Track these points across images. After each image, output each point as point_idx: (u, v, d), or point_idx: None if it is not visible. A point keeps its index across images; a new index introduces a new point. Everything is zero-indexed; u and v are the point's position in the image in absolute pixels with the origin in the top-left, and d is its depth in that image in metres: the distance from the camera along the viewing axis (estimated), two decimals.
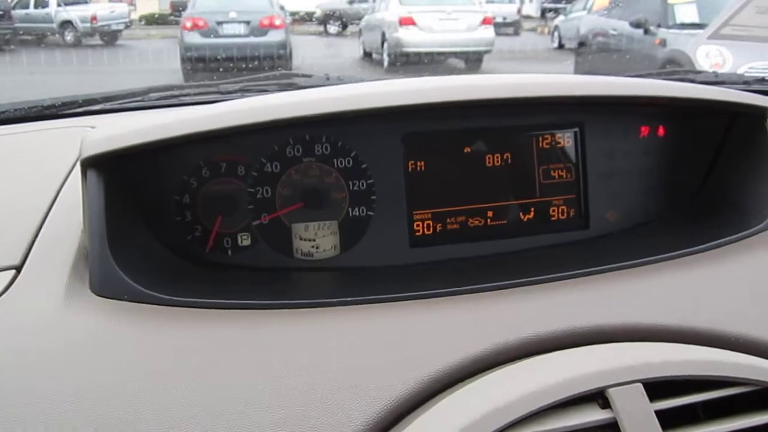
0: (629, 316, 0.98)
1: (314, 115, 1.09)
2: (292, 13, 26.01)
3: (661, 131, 1.42)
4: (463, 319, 0.96)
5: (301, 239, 1.26)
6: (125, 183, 1.09)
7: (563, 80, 1.25)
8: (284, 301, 1.00)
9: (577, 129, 1.36)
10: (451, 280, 1.17)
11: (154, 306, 0.97)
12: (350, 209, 1.27)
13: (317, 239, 1.27)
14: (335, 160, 1.26)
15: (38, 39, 20.59)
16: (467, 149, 1.31)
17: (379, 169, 1.28)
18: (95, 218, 0.99)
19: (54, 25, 20.58)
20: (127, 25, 22.41)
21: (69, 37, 20.40)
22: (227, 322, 0.94)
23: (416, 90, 1.19)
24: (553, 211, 1.36)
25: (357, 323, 0.95)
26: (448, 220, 1.31)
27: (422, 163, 1.29)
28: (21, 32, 20.11)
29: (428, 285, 1.09)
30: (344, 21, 23.34)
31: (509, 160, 1.33)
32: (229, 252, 1.25)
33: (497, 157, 1.32)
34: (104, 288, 0.97)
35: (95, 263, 0.98)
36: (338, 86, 1.21)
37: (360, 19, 18.26)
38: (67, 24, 20.46)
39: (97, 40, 20.71)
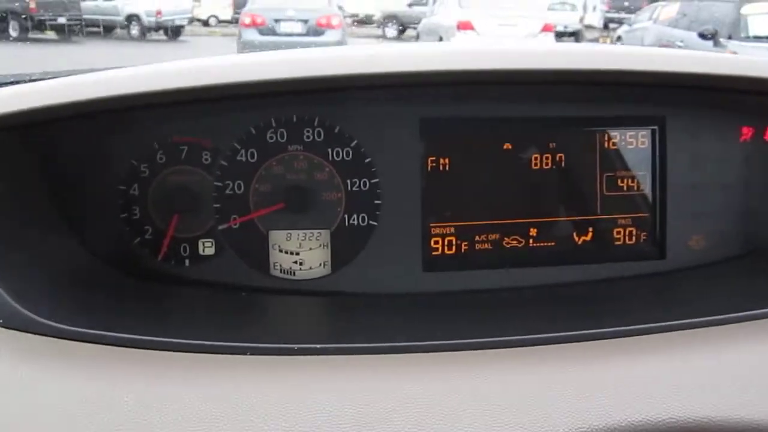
0: (733, 409, 0.65)
1: (286, 79, 0.78)
2: (352, 15, 25.99)
3: None
4: (496, 390, 0.65)
5: (280, 251, 0.97)
6: (25, 165, 0.81)
7: (642, 52, 0.91)
8: (248, 344, 0.70)
9: (656, 126, 1.03)
10: (478, 323, 0.86)
11: (50, 339, 0.68)
12: (347, 216, 0.97)
13: (302, 253, 0.97)
14: (330, 151, 0.96)
15: (105, 31, 21.05)
16: (507, 145, 0.99)
17: (388, 165, 0.97)
18: None
19: (121, 18, 20.98)
20: (191, 21, 22.69)
21: (134, 30, 20.77)
22: (160, 370, 0.65)
23: (443, 55, 0.87)
24: (618, 233, 1.03)
25: (350, 381, 0.66)
26: (477, 238, 0.99)
27: (446, 160, 0.98)
28: (88, 24, 20.58)
29: (446, 329, 0.81)
30: (403, 24, 23.08)
31: (563, 163, 1.00)
32: (187, 262, 0.96)
33: (547, 158, 1.00)
34: None
35: None
36: (337, 47, 0.91)
37: (418, 22, 18.01)
38: (133, 17, 20.82)
39: (161, 35, 21.02)
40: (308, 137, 0.96)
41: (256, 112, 0.95)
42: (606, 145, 1.02)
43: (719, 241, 1.06)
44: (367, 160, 0.97)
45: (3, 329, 0.69)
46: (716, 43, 9.35)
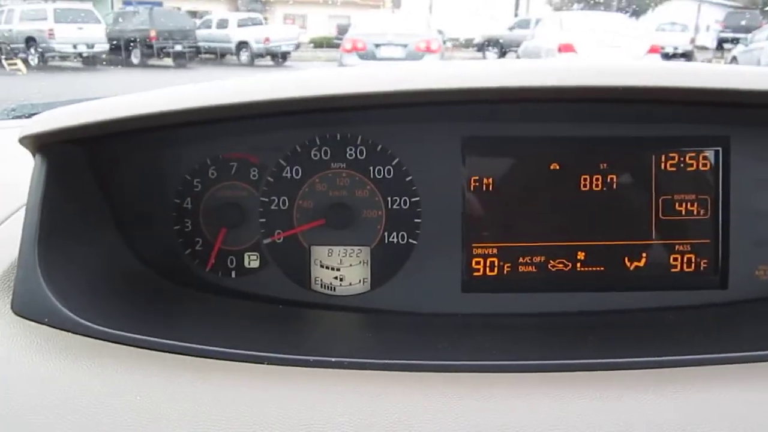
0: None
1: (330, 95, 0.80)
2: (452, 39, 26.09)
3: None
4: (536, 417, 0.63)
5: (321, 266, 0.98)
6: (86, 175, 0.87)
7: (705, 69, 0.86)
8: (265, 354, 0.71)
9: (719, 147, 0.97)
10: (520, 347, 0.83)
11: (88, 339, 0.72)
12: (387, 234, 0.97)
13: (342, 269, 0.98)
14: (372, 168, 0.97)
15: (217, 57, 22.22)
16: (555, 166, 0.96)
17: (429, 183, 0.96)
18: (29, 216, 0.77)
19: (232, 45, 22.09)
20: (297, 47, 23.54)
21: (244, 57, 21.79)
22: (193, 374, 0.68)
23: (486, 73, 0.86)
24: (675, 259, 0.97)
25: (389, 396, 0.65)
26: (521, 260, 0.97)
27: (489, 179, 0.96)
28: (202, 51, 21.80)
29: (486, 351, 0.78)
30: (503, 48, 22.91)
31: (614, 185, 0.96)
32: (233, 274, 0.99)
33: (597, 180, 0.96)
34: (24, 306, 0.75)
35: (19, 274, 0.76)
36: (383, 64, 0.92)
37: (519, 46, 17.82)
38: (243, 44, 21.86)
39: (268, 61, 21.94)
40: (351, 155, 0.97)
41: (302, 130, 0.97)
42: (663, 166, 0.97)
43: None
44: (408, 179, 0.97)
45: (49, 328, 0.74)
46: None
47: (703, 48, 25.10)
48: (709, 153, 0.97)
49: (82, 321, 0.73)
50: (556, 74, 0.83)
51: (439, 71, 0.88)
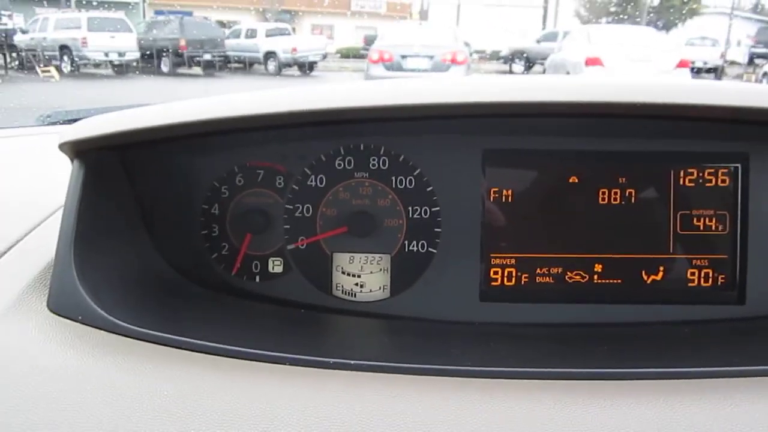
0: None
1: (351, 108, 0.83)
2: (478, 51, 26.11)
3: None
4: (547, 424, 0.65)
5: (343, 273, 1.01)
6: (121, 181, 0.91)
7: (720, 87, 0.88)
8: (288, 355, 0.74)
9: (738, 164, 0.98)
10: (534, 356, 0.85)
11: (119, 337, 0.76)
12: (407, 242, 1.00)
13: (363, 275, 1.00)
14: (393, 179, 1.00)
15: (245, 66, 22.51)
16: (573, 179, 0.98)
17: (449, 194, 0.99)
18: (66, 219, 0.81)
19: (260, 55, 22.37)
20: (323, 57, 23.75)
21: (271, 66, 22.05)
22: (218, 373, 0.70)
23: (507, 88, 0.89)
24: (693, 274, 0.98)
25: (406, 398, 0.67)
26: (538, 271, 0.98)
27: (509, 191, 0.98)
28: (231, 60, 22.10)
29: (502, 358, 0.81)
30: (530, 60, 22.88)
31: (633, 199, 0.98)
32: (257, 278, 1.02)
33: (616, 193, 0.98)
34: (59, 304, 0.79)
35: (55, 274, 0.80)
36: (407, 80, 0.95)
37: (545, 58, 17.78)
38: (271, 54, 22.14)
39: (295, 70, 22.16)
40: (374, 165, 1.00)
41: (327, 140, 1.00)
42: (681, 181, 0.98)
43: None
44: (429, 189, 0.99)
45: (82, 326, 0.77)
46: None
47: (734, 63, 24.80)
48: (728, 169, 0.98)
49: (114, 319, 0.76)
50: (575, 90, 0.85)
51: (461, 86, 0.91)
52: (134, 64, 19.32)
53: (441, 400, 0.67)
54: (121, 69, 18.85)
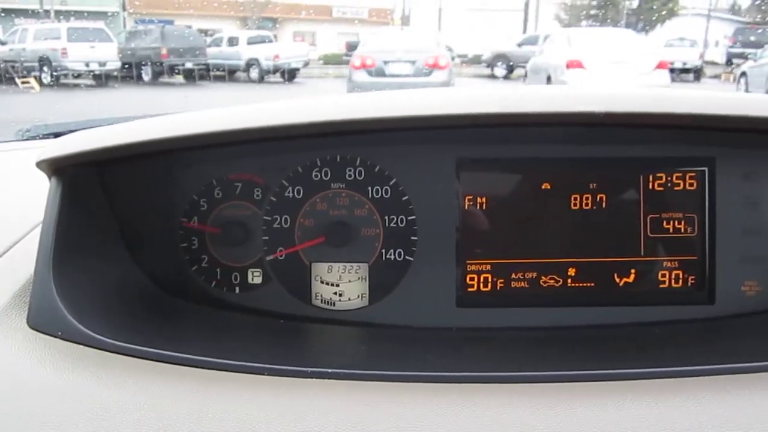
0: None
1: (328, 122, 0.85)
2: (460, 55, 26.25)
3: None
4: (522, 426, 0.66)
5: (321, 282, 1.02)
6: (99, 196, 0.92)
7: (689, 95, 0.90)
8: (285, 367, 0.75)
9: (705, 168, 1.00)
10: (513, 360, 0.87)
11: (98, 351, 0.77)
12: (384, 251, 1.01)
13: (342, 284, 1.02)
14: (370, 189, 1.01)
15: (227, 74, 22.45)
16: (546, 185, 1.00)
17: (425, 202, 1.01)
18: (44, 236, 0.82)
19: (242, 62, 22.33)
20: (306, 64, 23.75)
21: (254, 73, 22.02)
22: (197, 385, 0.72)
23: (480, 99, 0.91)
24: (663, 276, 1.01)
25: (382, 405, 0.69)
26: (514, 276, 1.00)
27: (483, 199, 1.00)
28: (213, 68, 22.04)
29: (478, 362, 0.83)
30: (511, 64, 23.03)
31: (604, 204, 1.00)
32: (237, 290, 1.03)
33: (587, 199, 1.00)
34: (39, 321, 0.79)
35: (35, 290, 0.81)
36: (380, 92, 0.96)
37: (527, 62, 17.91)
38: (253, 61, 22.09)
39: (278, 77, 22.14)
40: (350, 176, 1.01)
41: (304, 152, 1.02)
42: (651, 186, 1.00)
43: None
44: (405, 198, 1.01)
45: (62, 341, 0.78)
46: None
47: (713, 63, 25.12)
48: (696, 173, 1.00)
49: (94, 334, 0.77)
50: (543, 101, 0.87)
51: (435, 97, 0.93)
52: (115, 74, 19.21)
53: (417, 406, 0.68)
54: (102, 79, 18.74)
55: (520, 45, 23.63)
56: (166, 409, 0.68)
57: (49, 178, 0.88)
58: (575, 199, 1.00)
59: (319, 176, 1.02)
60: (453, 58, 19.26)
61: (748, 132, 0.97)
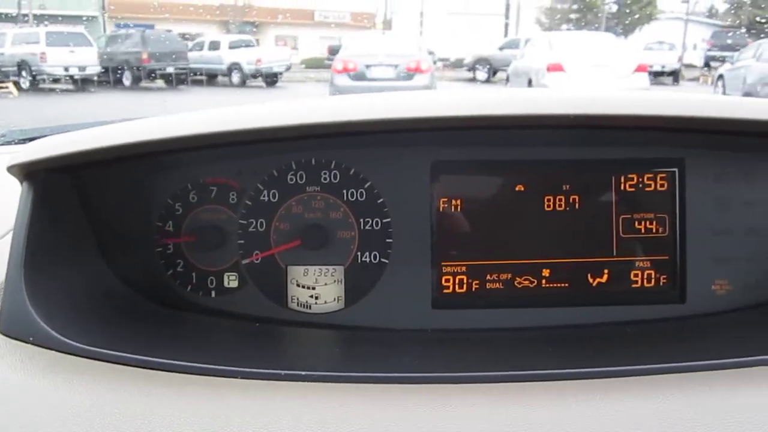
0: None
1: (302, 125, 0.85)
2: (442, 59, 26.33)
3: None
4: (494, 425, 0.67)
5: (297, 286, 1.02)
6: (72, 201, 0.91)
7: (658, 98, 0.92)
8: (265, 370, 0.75)
9: (675, 169, 1.02)
10: (487, 360, 0.87)
11: (71, 357, 0.76)
12: (360, 253, 1.02)
13: (317, 287, 1.02)
14: (345, 192, 1.02)
15: (209, 79, 22.34)
16: (520, 187, 1.01)
17: (400, 205, 1.01)
18: (16, 240, 0.81)
19: (223, 67, 22.22)
20: (288, 68, 23.69)
21: (236, 78, 21.92)
22: (169, 389, 0.71)
23: (453, 102, 0.91)
24: (636, 275, 1.02)
25: (356, 407, 0.69)
26: (489, 277, 1.01)
27: (458, 201, 1.01)
28: (194, 72, 21.91)
29: (453, 363, 0.83)
30: (493, 67, 23.13)
31: (577, 205, 1.01)
32: (213, 293, 1.03)
33: (560, 200, 1.01)
34: (10, 327, 0.79)
35: (6, 296, 0.80)
36: (353, 96, 0.97)
37: (508, 65, 18.00)
38: (235, 66, 21.99)
39: (259, 82, 22.06)
40: (325, 179, 1.02)
41: (279, 156, 1.02)
42: (622, 187, 1.02)
43: (745, 286, 1.02)
44: (380, 201, 1.01)
45: (34, 347, 0.78)
46: None
47: (691, 66, 25.43)
48: (666, 174, 1.02)
49: (65, 339, 0.77)
50: (516, 104, 0.88)
51: (410, 101, 0.93)
52: (95, 78, 19.04)
53: (391, 408, 0.69)
54: (82, 84, 18.56)
55: (501, 49, 23.75)
56: (138, 413, 0.67)
57: (21, 183, 0.87)
58: (549, 200, 1.01)
59: (295, 179, 1.02)
60: (435, 62, 19.31)
61: (718, 134, 0.99)
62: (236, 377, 0.73)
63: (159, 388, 0.72)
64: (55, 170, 0.86)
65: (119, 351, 0.76)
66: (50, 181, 0.87)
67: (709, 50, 25.25)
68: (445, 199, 1.01)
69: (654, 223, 1.02)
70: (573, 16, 33.27)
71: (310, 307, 1.02)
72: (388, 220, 1.01)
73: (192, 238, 1.01)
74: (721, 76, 16.15)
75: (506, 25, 32.05)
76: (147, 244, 1.03)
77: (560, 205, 1.01)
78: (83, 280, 0.91)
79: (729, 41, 24.11)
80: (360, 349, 0.95)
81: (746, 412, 0.68)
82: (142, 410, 0.68)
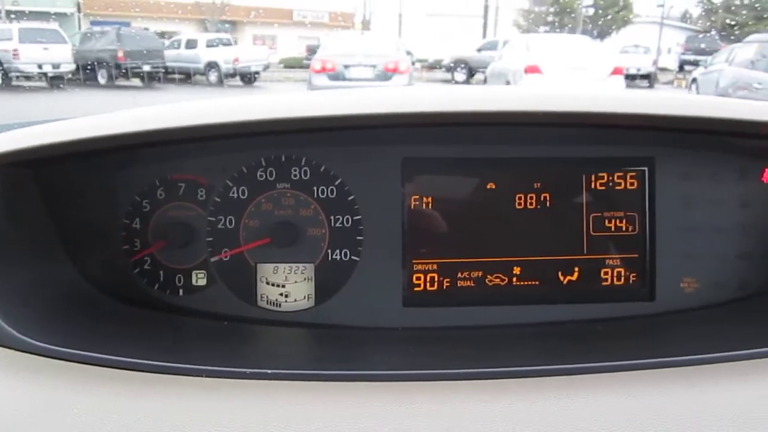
0: None
1: (273, 119, 0.84)
2: (421, 60, 26.36)
3: (767, 176, 1.04)
4: (461, 422, 0.66)
5: (267, 283, 1.01)
6: (34, 197, 0.89)
7: (628, 96, 0.92)
8: (231, 369, 0.73)
9: (645, 167, 1.02)
10: (457, 358, 0.87)
11: (33, 356, 0.74)
12: (330, 251, 1.01)
13: (287, 285, 1.01)
14: (315, 189, 1.01)
15: (186, 78, 22.12)
16: (491, 185, 1.01)
17: (370, 202, 1.00)
18: None
19: (201, 65, 22.01)
20: (266, 67, 23.54)
21: (213, 77, 21.72)
22: (133, 388, 0.70)
23: (423, 98, 0.91)
24: (606, 273, 1.02)
25: (326, 406, 0.68)
26: (460, 275, 1.01)
27: (429, 198, 1.00)
28: (171, 71, 21.68)
29: (423, 361, 0.83)
30: (471, 69, 23.22)
31: (548, 203, 1.01)
32: (181, 292, 1.01)
33: (531, 198, 1.01)
34: None
35: None
36: (321, 92, 0.96)
37: (487, 67, 18.08)
38: (212, 65, 21.79)
39: (237, 81, 21.89)
40: (295, 176, 1.01)
41: (248, 152, 1.00)
42: (593, 185, 1.02)
43: (713, 284, 1.03)
44: (351, 198, 1.00)
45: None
46: None
47: (666, 69, 25.77)
48: (636, 173, 1.02)
49: (26, 338, 0.75)
50: (486, 101, 0.88)
51: (380, 97, 0.93)
52: (69, 76, 18.75)
53: (360, 405, 0.68)
54: (55, 81, 18.26)
55: (479, 50, 23.82)
56: (101, 412, 0.66)
57: None
58: (520, 198, 1.01)
59: (264, 176, 1.01)
60: (413, 63, 19.33)
61: (688, 132, 0.99)
62: (201, 376, 0.71)
63: (123, 387, 0.70)
64: (15, 165, 0.84)
65: (82, 350, 0.74)
66: (10, 176, 0.84)
67: (683, 54, 25.59)
68: (417, 197, 1.00)
69: (624, 221, 1.03)
70: (550, 18, 33.53)
71: (279, 305, 1.01)
72: (359, 217, 1.00)
73: (161, 242, 1.00)
74: (694, 80, 16.37)
75: (484, 27, 32.20)
76: (113, 242, 1.01)
77: (531, 203, 1.01)
78: (46, 278, 0.89)
79: (702, 45, 24.47)
80: (330, 347, 0.94)
81: (714, 408, 0.68)
82: (107, 410, 0.66)
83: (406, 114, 0.86)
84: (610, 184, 1.02)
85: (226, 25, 32.13)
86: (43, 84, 18.39)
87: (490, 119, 0.90)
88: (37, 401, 0.68)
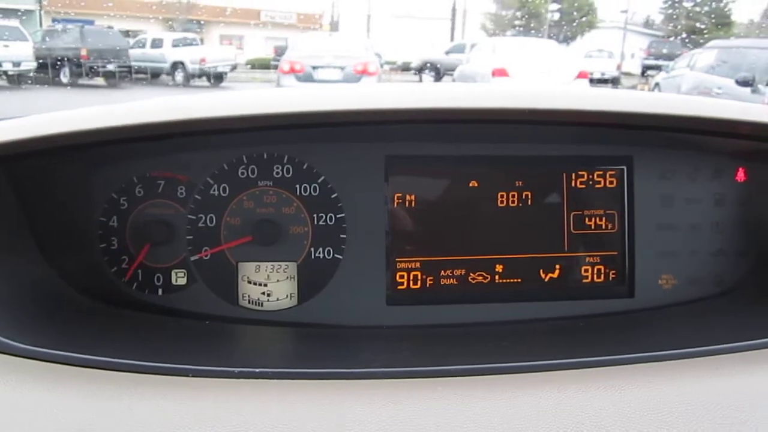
0: None
1: (255, 115, 0.82)
2: (389, 62, 26.43)
3: (741, 175, 1.06)
4: (447, 419, 0.66)
5: (249, 282, 1.00)
6: (7, 194, 0.86)
7: (606, 94, 0.93)
8: (189, 367, 0.72)
9: (624, 166, 1.04)
10: (441, 355, 0.87)
11: (7, 356, 0.72)
12: (313, 249, 1.00)
13: (270, 284, 1.00)
14: (298, 186, 1.00)
15: (151, 77, 21.78)
16: (473, 183, 1.01)
17: (354, 200, 1.00)
18: None
19: (166, 65, 21.70)
20: (233, 68, 23.32)
21: (179, 77, 21.44)
22: (117, 389, 0.68)
23: (405, 95, 0.91)
24: (586, 271, 1.03)
25: (313, 405, 0.67)
26: (443, 273, 1.01)
27: (411, 196, 1.00)
28: (136, 71, 21.33)
29: (408, 359, 0.83)
30: (439, 71, 23.35)
31: (529, 201, 1.02)
32: (160, 291, 0.99)
33: (513, 196, 1.02)
34: None
35: None
36: (306, 87, 0.95)
37: (455, 69, 18.18)
38: (178, 64, 21.51)
39: (204, 81, 21.64)
40: (278, 173, 1.00)
41: (229, 149, 0.99)
42: (573, 183, 1.03)
43: (690, 280, 1.05)
44: (334, 196, 1.00)
45: None
46: (755, 90, 9.26)
47: (629, 74, 26.26)
48: (615, 171, 1.04)
49: (2, 339, 0.72)
50: (469, 98, 0.88)
51: (362, 93, 0.92)
52: (30, 74, 18.32)
53: (345, 403, 0.67)
54: (16, 79, 17.83)
55: (447, 53, 23.99)
56: (82, 414, 0.64)
57: None
58: (502, 196, 1.02)
59: (246, 174, 1.00)
60: (382, 65, 19.35)
61: (665, 131, 1.01)
62: (187, 375, 0.70)
63: (104, 388, 0.68)
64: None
65: (60, 350, 0.72)
66: None
67: (647, 59, 26.13)
68: (399, 195, 1.00)
69: (603, 219, 1.04)
70: (517, 22, 33.92)
71: (261, 305, 1.00)
72: (342, 215, 1.00)
73: (147, 245, 0.98)
74: (657, 84, 16.70)
75: (452, 30, 32.41)
76: (90, 241, 0.98)
77: (513, 202, 1.02)
78: (21, 277, 0.86)
79: (665, 50, 25.02)
80: (314, 346, 0.93)
81: (693, 401, 0.69)
82: (87, 411, 0.65)
83: (387, 110, 0.86)
84: (590, 182, 1.03)
85: (194, 25, 31.75)
86: (4, 82, 17.95)
87: (474, 116, 0.90)
88: (16, 402, 0.66)
